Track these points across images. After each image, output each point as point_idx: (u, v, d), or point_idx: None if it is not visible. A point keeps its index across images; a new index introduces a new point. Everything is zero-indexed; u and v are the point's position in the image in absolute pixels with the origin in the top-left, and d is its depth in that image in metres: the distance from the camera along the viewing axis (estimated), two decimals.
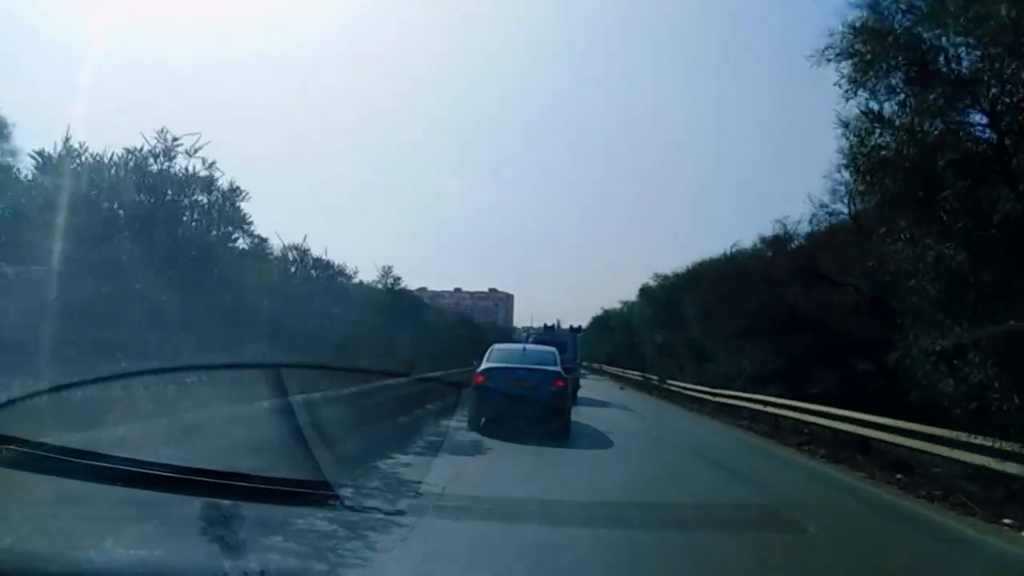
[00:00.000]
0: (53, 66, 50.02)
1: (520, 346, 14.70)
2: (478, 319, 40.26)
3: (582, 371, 25.81)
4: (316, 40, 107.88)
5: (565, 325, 24.51)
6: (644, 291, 32.70)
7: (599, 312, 53.53)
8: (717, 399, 18.71)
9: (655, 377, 27.88)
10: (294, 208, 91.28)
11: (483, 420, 10.63)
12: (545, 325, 24.45)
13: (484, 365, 11.77)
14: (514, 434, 9.75)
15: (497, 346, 13.32)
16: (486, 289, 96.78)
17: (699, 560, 4.71)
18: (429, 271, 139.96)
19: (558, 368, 11.76)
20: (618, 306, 45.64)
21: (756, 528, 5.77)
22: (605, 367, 44.47)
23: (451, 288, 72.59)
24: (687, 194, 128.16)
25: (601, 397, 21.17)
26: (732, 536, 5.39)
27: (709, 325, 20.24)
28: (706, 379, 20.60)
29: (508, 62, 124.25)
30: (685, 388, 22.62)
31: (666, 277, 29.63)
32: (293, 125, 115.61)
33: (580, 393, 19.01)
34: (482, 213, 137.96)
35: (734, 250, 21.45)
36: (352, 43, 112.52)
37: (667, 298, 27.47)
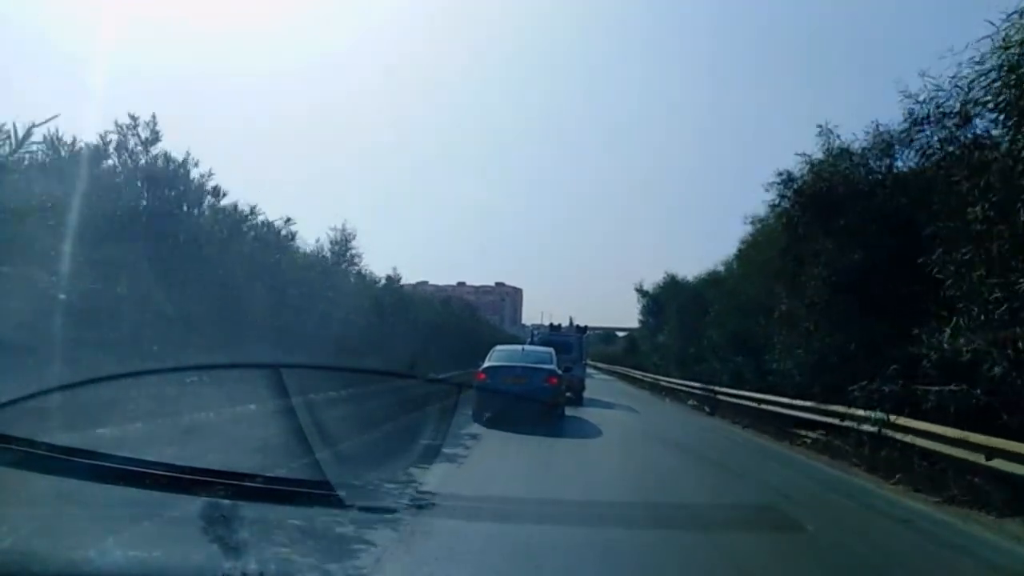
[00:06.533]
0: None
1: (519, 347, 15.96)
2: (480, 316, 38.11)
3: (588, 370, 25.93)
4: (329, 50, 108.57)
5: (585, 324, 25.02)
6: None
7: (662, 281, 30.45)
8: None
9: None
10: (298, 200, 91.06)
11: (486, 413, 11.51)
12: (551, 325, 24.91)
13: (486, 364, 13.05)
14: (512, 425, 10.56)
15: (499, 347, 14.64)
16: (492, 283, 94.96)
17: None
18: (432, 264, 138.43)
19: (553, 366, 13.13)
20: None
21: None
22: (666, 380, 24.71)
23: (454, 282, 71.32)
24: (705, 190, 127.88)
25: None
26: None
27: None
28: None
29: (519, 60, 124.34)
30: None
31: None
32: (305, 125, 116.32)
33: None
34: (491, 206, 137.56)
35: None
36: (365, 51, 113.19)
37: None
